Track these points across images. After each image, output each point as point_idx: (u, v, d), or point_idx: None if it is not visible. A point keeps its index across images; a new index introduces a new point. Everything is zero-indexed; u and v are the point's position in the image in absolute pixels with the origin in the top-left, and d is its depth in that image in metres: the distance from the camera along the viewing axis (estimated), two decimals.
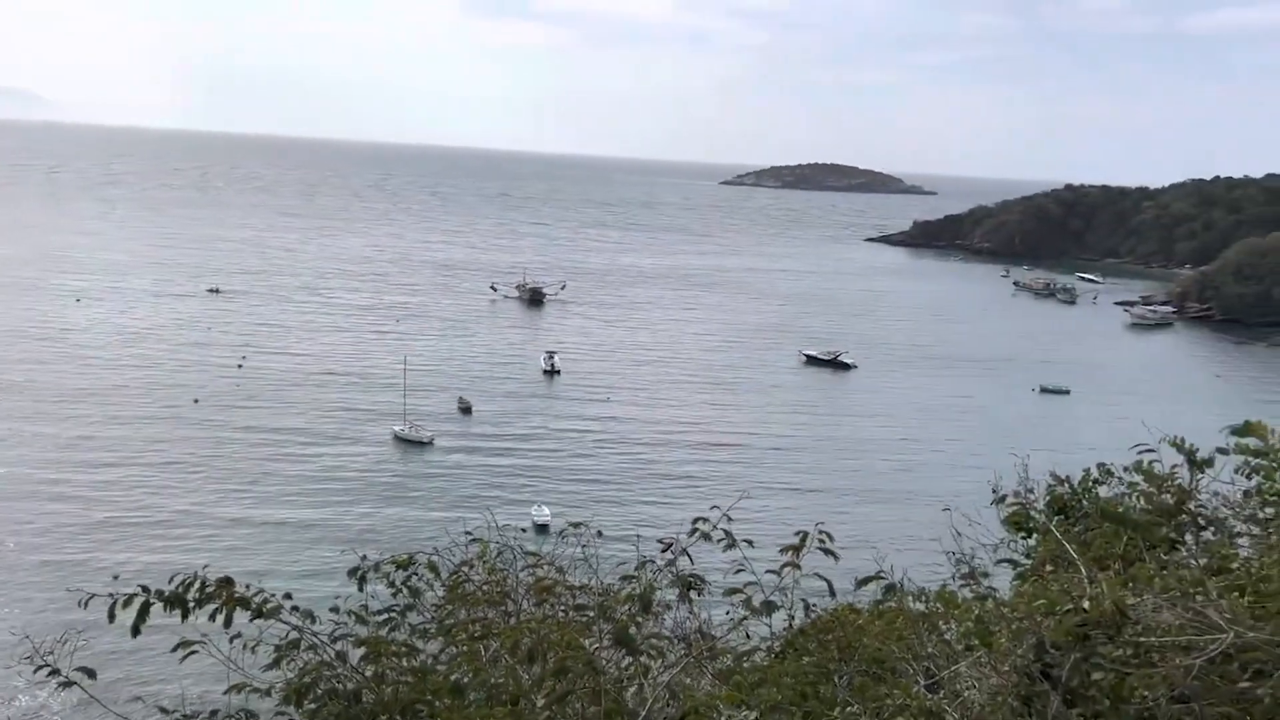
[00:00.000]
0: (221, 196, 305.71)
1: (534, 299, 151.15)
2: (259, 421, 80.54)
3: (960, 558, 6.60)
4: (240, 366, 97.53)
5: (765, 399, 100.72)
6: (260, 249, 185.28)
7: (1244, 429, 5.63)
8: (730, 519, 5.22)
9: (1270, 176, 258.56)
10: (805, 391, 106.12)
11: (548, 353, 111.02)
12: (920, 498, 65.61)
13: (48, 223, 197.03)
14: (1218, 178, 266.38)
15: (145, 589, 4.96)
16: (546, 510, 65.34)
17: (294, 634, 5.19)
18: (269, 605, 5.19)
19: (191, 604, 5.04)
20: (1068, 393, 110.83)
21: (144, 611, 4.97)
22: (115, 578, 48.94)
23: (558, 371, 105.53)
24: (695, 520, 5.27)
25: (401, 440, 78.06)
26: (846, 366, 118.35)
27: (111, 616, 4.96)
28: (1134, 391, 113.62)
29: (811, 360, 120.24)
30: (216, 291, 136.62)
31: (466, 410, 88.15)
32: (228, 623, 5.00)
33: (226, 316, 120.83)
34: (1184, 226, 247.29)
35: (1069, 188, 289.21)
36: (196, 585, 5.09)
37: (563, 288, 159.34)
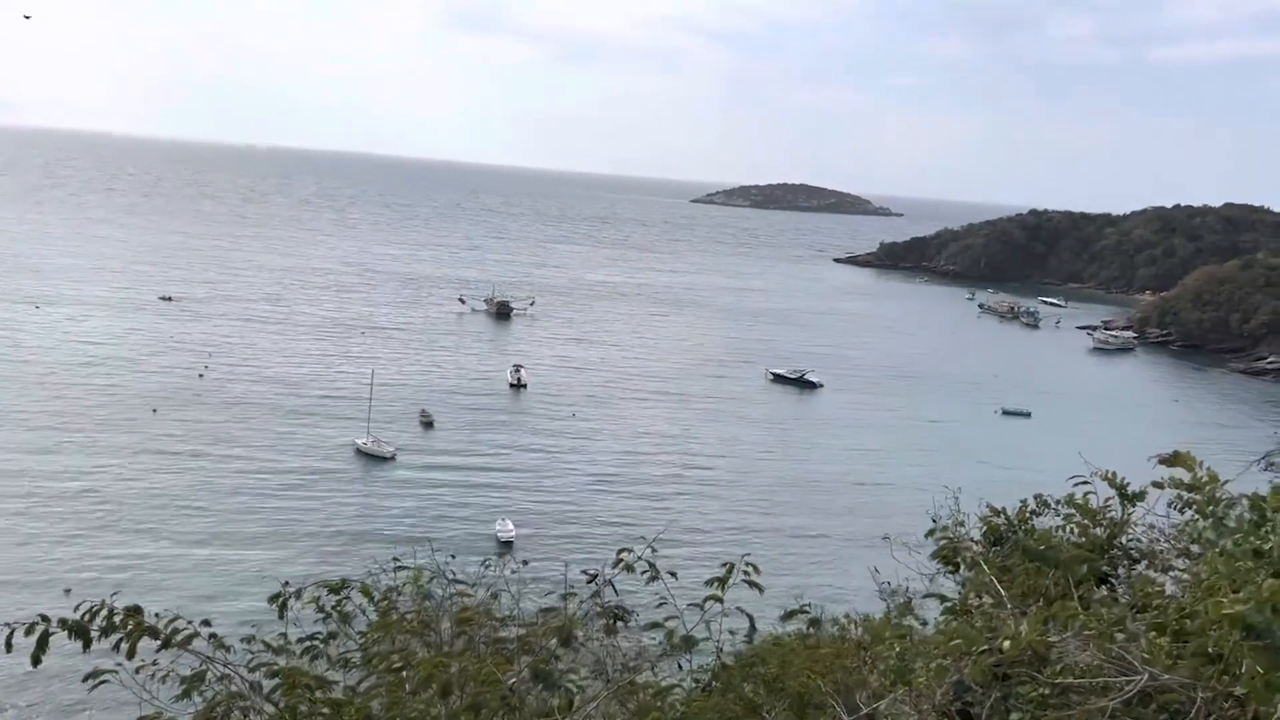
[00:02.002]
0: (183, 204, 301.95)
1: (502, 313, 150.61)
2: (219, 433, 79.37)
3: (895, 589, 6.57)
4: (202, 376, 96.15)
5: (731, 417, 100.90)
6: (222, 258, 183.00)
7: (1172, 459, 5.65)
8: (655, 550, 5.14)
9: (1228, 205, 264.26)
10: (770, 409, 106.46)
11: (514, 366, 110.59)
12: (873, 522, 65.84)
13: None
14: (1178, 205, 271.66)
15: (44, 618, 4.78)
16: (510, 525, 64.91)
17: (205, 664, 5.02)
18: (180, 635, 5.02)
19: (96, 633, 4.86)
20: (1029, 415, 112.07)
21: (43, 641, 4.79)
22: (67, 591, 47.92)
23: (524, 386, 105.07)
24: (620, 551, 5.18)
25: (363, 454, 77.21)
26: (813, 385, 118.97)
27: (9, 646, 4.77)
28: (1094, 415, 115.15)
29: (778, 378, 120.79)
30: (169, 300, 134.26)
31: (429, 424, 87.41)
32: (131, 653, 4.83)
33: (185, 326, 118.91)
34: (1145, 253, 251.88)
35: (1033, 213, 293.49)
36: (103, 614, 4.91)
37: (532, 303, 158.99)
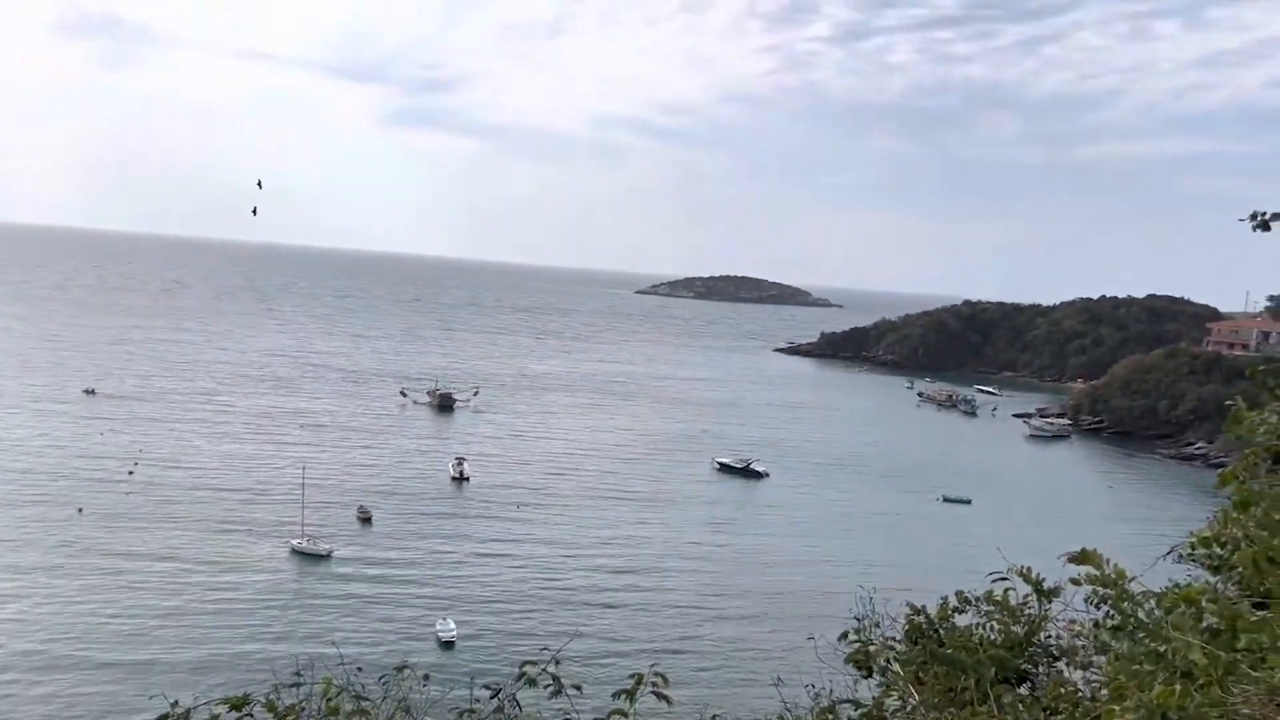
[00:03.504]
0: (109, 295, 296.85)
1: (444, 405, 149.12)
2: (147, 536, 76.52)
3: (818, 692, 6.43)
4: (131, 474, 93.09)
5: (677, 509, 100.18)
6: (151, 351, 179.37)
7: (1080, 557, 5.67)
8: (559, 662, 4.96)
9: (1151, 296, 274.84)
10: (716, 501, 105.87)
11: (457, 459, 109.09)
12: (806, 621, 65.43)
13: None
14: (1104, 296, 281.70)
15: None
16: (452, 624, 63.06)
17: None
18: None
19: None
20: (969, 502, 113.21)
21: None
22: None
23: (467, 479, 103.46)
24: (523, 665, 4.99)
25: (298, 554, 74.87)
26: (758, 475, 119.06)
27: None
28: (1033, 502, 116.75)
29: (724, 468, 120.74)
30: (92, 393, 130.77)
31: (366, 520, 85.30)
32: None
33: (111, 421, 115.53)
34: (1075, 342, 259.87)
35: (967, 303, 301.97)
36: None
37: (475, 394, 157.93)
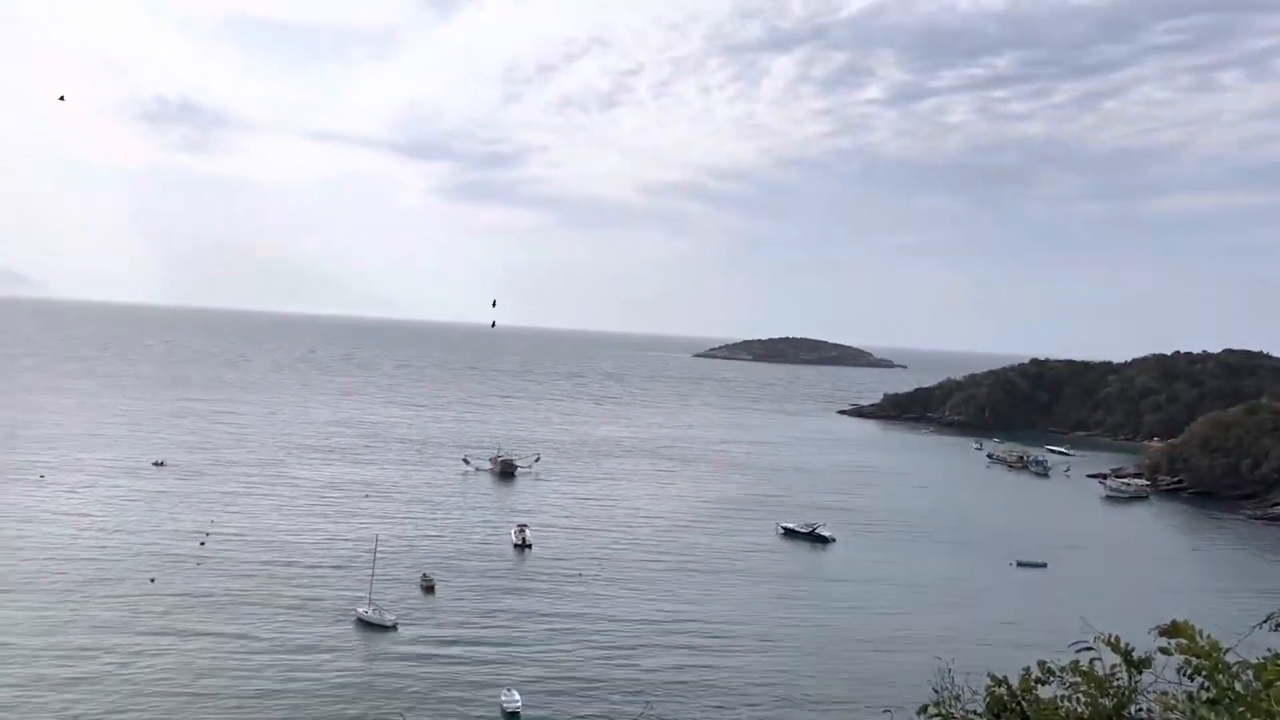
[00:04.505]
0: (181, 370, 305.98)
1: (506, 472, 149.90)
2: (217, 606, 77.62)
3: None
4: (202, 544, 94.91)
5: (742, 576, 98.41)
6: (217, 423, 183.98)
7: (1171, 629, 5.46)
8: None
9: (1228, 351, 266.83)
10: (782, 569, 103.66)
11: (519, 526, 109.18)
12: (883, 690, 63.51)
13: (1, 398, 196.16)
14: (1177, 353, 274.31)
15: None
16: (517, 696, 62.49)
17: None
18: None
19: None
20: (1044, 566, 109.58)
21: None
22: None
23: (529, 546, 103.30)
24: None
25: (364, 623, 75.15)
26: (824, 540, 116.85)
27: None
28: (1113, 566, 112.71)
29: (789, 533, 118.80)
30: (162, 465, 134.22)
31: (430, 589, 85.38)
32: None
33: (181, 492, 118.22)
34: (1149, 399, 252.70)
35: (1035, 361, 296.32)
36: None
37: (537, 460, 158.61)
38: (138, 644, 67.75)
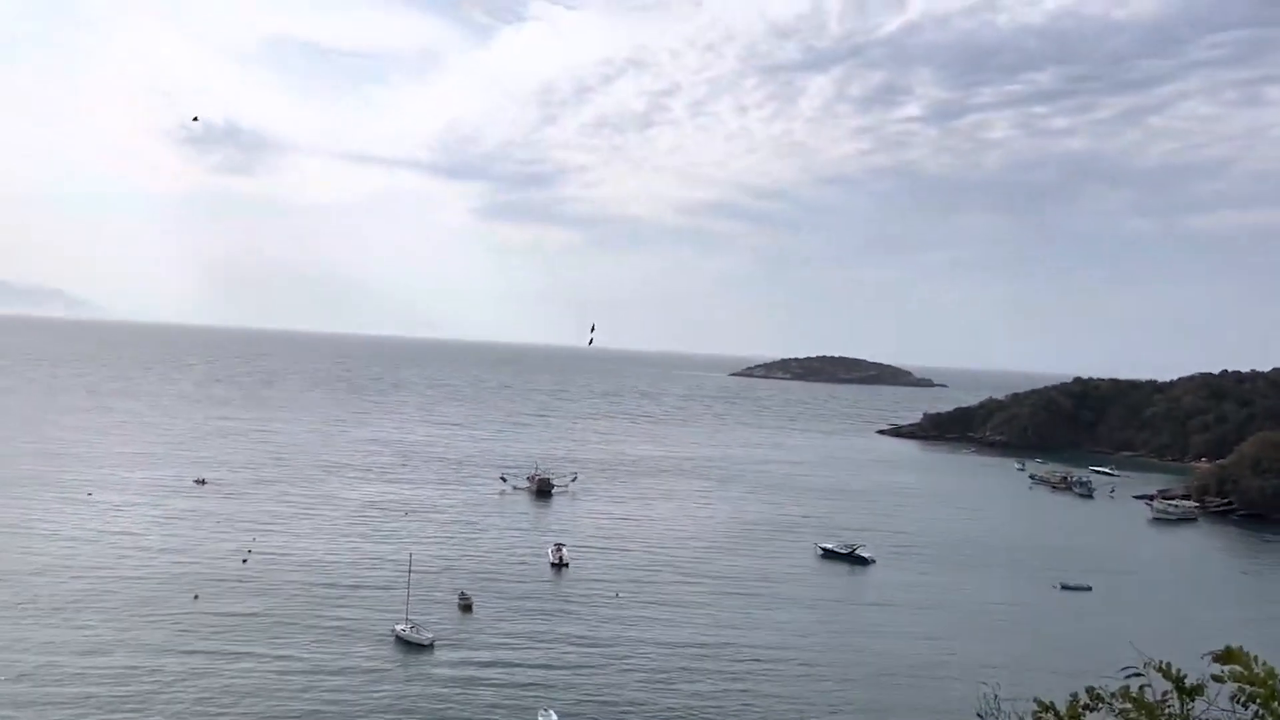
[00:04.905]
0: (221, 390, 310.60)
1: (543, 490, 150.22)
2: (259, 624, 78.34)
3: None
4: (245, 561, 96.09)
5: (781, 598, 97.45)
6: (257, 441, 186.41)
7: (1225, 656, 5.34)
8: None
9: (1276, 370, 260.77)
10: (822, 592, 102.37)
11: (556, 545, 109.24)
12: (930, 717, 62.56)
13: (49, 417, 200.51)
14: (1225, 371, 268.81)
15: None
16: (554, 716, 62.31)
17: None
18: None
19: None
20: (1089, 589, 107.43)
21: None
22: None
23: (566, 565, 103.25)
24: None
25: (402, 641, 75.48)
26: (864, 561, 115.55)
27: None
28: (1161, 589, 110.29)
29: (828, 554, 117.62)
30: (203, 483, 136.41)
31: (467, 607, 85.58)
32: None
33: (222, 510, 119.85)
34: (1196, 419, 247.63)
35: (1078, 380, 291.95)
36: None
37: (574, 479, 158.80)
38: (183, 664, 68.48)
